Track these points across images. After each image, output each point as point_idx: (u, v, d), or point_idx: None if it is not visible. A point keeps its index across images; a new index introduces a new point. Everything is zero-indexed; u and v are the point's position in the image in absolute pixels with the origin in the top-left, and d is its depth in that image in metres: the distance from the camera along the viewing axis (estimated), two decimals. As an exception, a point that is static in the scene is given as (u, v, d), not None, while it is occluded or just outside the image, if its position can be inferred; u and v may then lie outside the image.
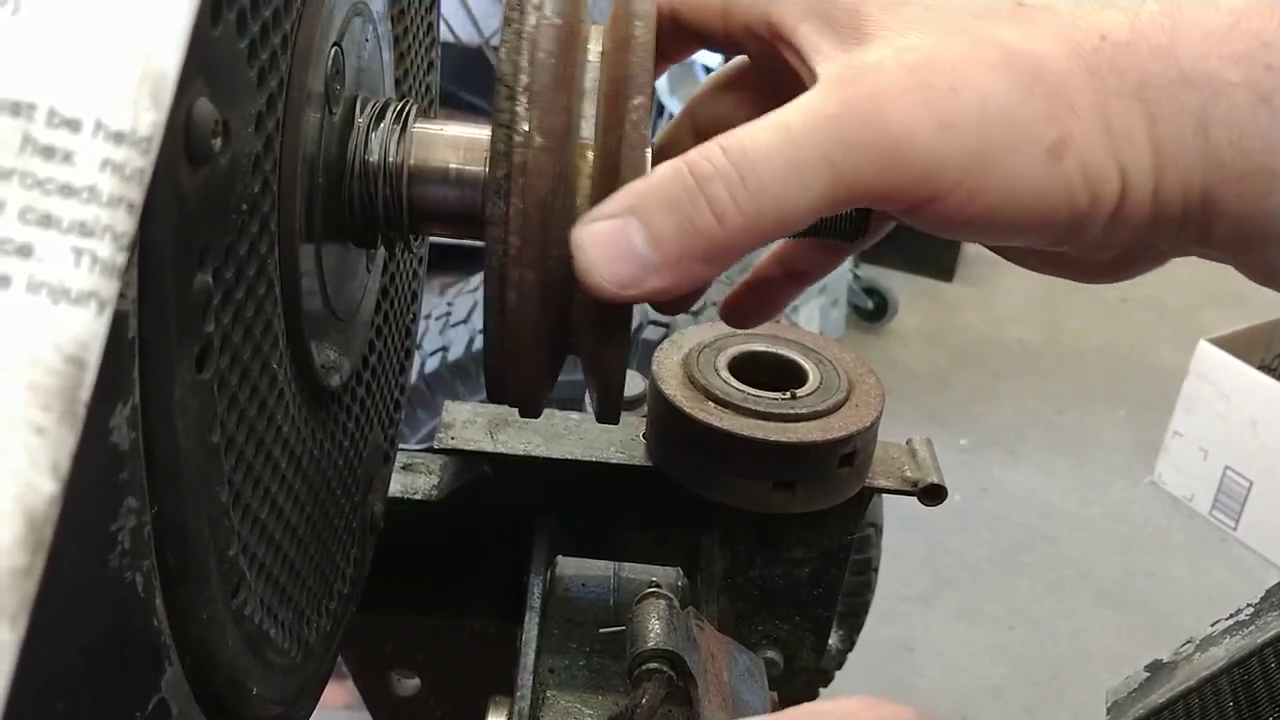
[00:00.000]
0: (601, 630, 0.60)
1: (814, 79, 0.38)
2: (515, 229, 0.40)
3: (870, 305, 3.40)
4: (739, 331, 0.69)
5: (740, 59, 0.48)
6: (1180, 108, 0.36)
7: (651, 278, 0.37)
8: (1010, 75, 0.36)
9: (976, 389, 3.17)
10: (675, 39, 0.45)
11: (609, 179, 0.40)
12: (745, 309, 0.54)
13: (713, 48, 0.46)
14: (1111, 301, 3.61)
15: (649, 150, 0.40)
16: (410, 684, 0.82)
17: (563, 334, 0.44)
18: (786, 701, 0.57)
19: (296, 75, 0.40)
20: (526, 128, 0.39)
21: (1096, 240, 0.39)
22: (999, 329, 3.49)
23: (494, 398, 0.47)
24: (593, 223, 0.38)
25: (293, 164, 0.40)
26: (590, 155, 0.41)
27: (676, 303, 0.48)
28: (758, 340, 0.69)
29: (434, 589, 0.74)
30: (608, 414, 0.48)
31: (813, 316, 3.05)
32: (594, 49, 0.44)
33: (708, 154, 0.37)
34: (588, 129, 0.42)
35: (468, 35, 2.84)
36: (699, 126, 0.48)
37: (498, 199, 0.40)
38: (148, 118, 0.25)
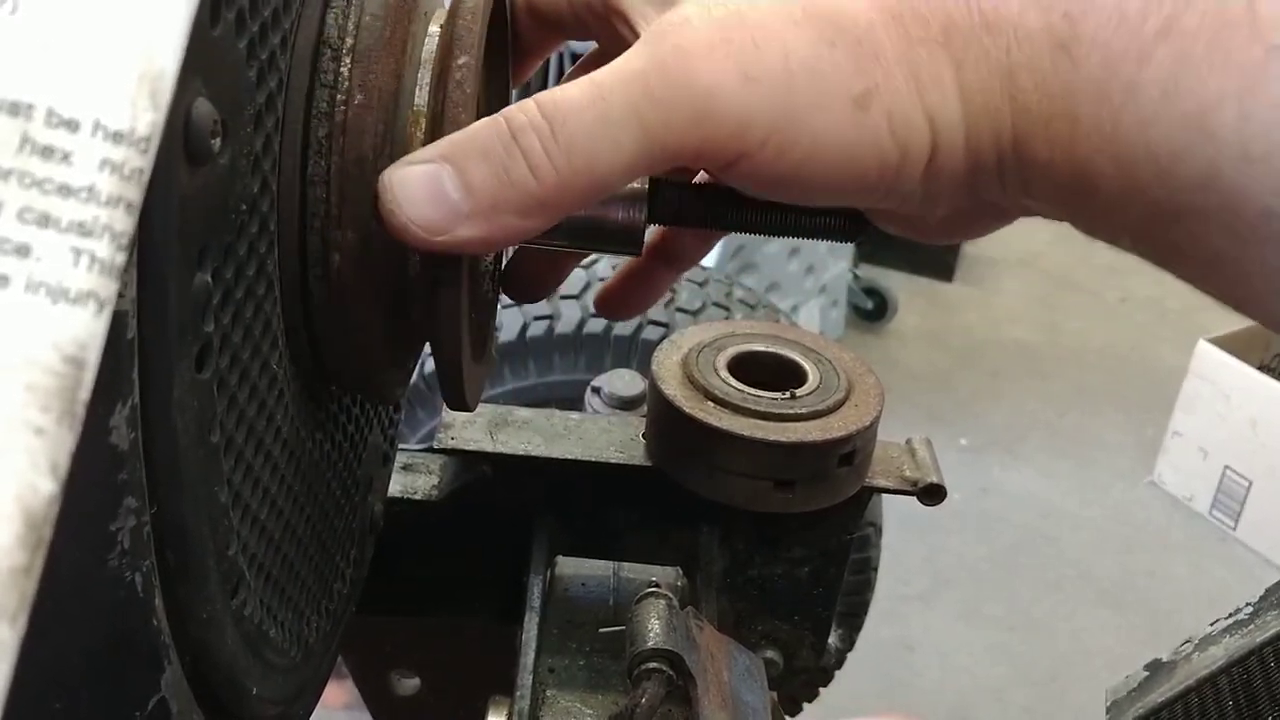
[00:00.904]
0: (601, 630, 0.60)
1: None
2: (335, 187, 0.40)
3: (870, 305, 3.40)
4: (738, 331, 0.69)
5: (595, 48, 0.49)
6: (984, 54, 0.36)
7: (462, 225, 0.37)
8: (813, 28, 0.36)
9: (976, 389, 3.17)
10: (536, 32, 0.47)
11: (435, 140, 0.40)
12: (620, 299, 0.54)
13: (570, 36, 0.47)
14: (1111, 302, 3.61)
15: (473, 109, 0.40)
16: (410, 684, 0.82)
17: (404, 308, 0.44)
18: (786, 701, 0.57)
19: (296, 74, 0.40)
20: (347, 86, 0.40)
21: (916, 194, 0.39)
22: (999, 329, 3.49)
23: (336, 379, 0.47)
24: (404, 166, 0.37)
25: (292, 163, 0.40)
26: (423, 120, 0.42)
27: (529, 288, 0.50)
28: (757, 340, 0.69)
29: (434, 589, 0.74)
30: (448, 396, 0.47)
31: (812, 316, 3.06)
32: (436, 26, 0.44)
33: (523, 107, 0.36)
34: (422, 97, 0.42)
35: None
36: None
37: (318, 158, 0.40)
38: (146, 117, 0.25)
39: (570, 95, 0.36)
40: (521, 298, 0.53)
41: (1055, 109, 0.36)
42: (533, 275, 0.52)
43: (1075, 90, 0.35)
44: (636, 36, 0.40)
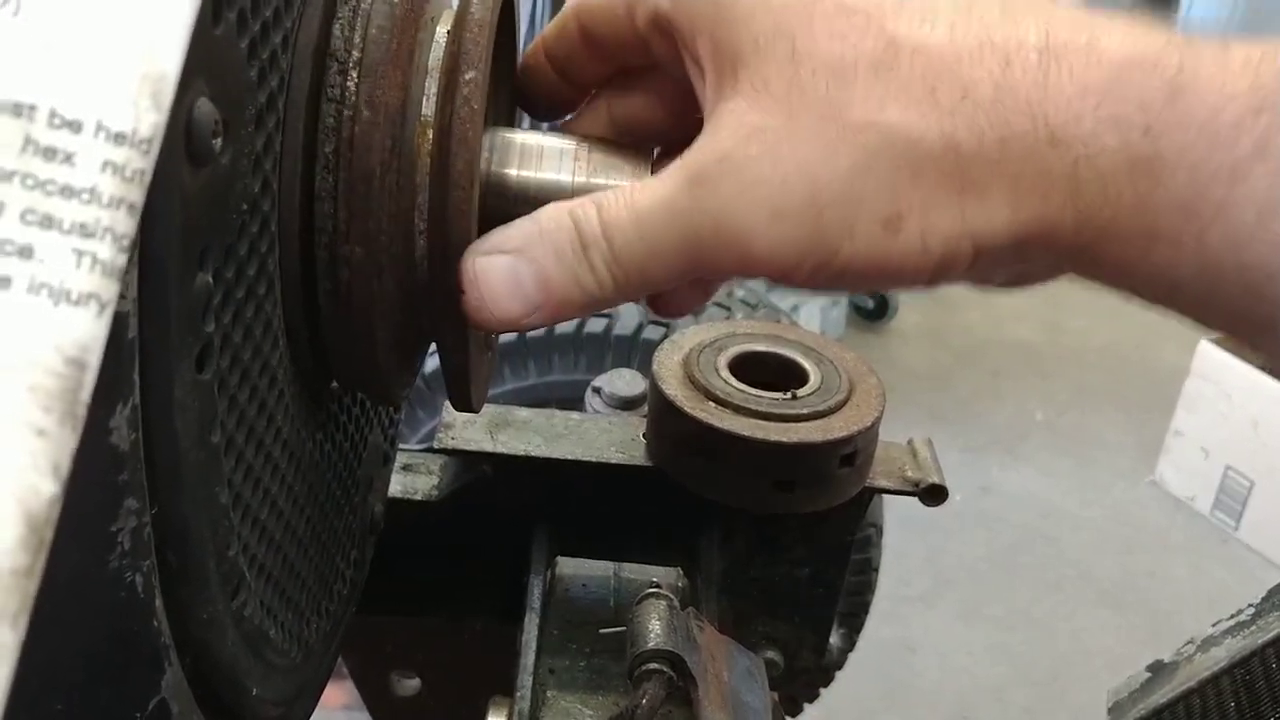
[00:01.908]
0: (602, 630, 0.60)
1: (702, 105, 0.41)
2: (343, 203, 0.40)
3: (871, 304, 3.40)
4: (739, 331, 0.69)
5: None
6: (1046, 169, 0.36)
7: (533, 315, 0.41)
8: (849, 155, 0.37)
9: (977, 389, 3.17)
10: (593, 64, 0.47)
11: (443, 155, 0.41)
12: (672, 294, 0.54)
13: (630, 61, 0.47)
14: (1113, 301, 3.57)
15: (480, 123, 0.41)
16: (410, 684, 0.82)
17: (411, 315, 0.44)
18: (787, 702, 0.57)
19: (298, 74, 0.40)
20: (354, 101, 0.40)
21: (965, 281, 0.40)
22: (1000, 328, 3.49)
23: (341, 381, 0.48)
24: (486, 255, 0.41)
25: (293, 163, 0.40)
26: (430, 132, 0.42)
27: (672, 307, 0.51)
28: (758, 340, 0.69)
29: (434, 589, 0.74)
30: (455, 398, 0.48)
31: (813, 316, 3.05)
32: (442, 30, 0.44)
33: (588, 218, 0.40)
34: (429, 107, 0.42)
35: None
36: (615, 119, 0.49)
37: (325, 173, 0.40)
38: (149, 119, 0.25)
39: (623, 223, 0.40)
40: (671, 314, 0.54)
41: (1131, 224, 0.35)
42: (680, 295, 0.52)
43: (1155, 206, 0.35)
44: (699, 86, 0.41)
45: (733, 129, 0.39)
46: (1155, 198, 0.35)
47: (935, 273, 0.38)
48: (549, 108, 0.49)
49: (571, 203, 0.41)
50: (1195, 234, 0.34)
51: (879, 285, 0.40)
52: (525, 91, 0.49)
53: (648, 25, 0.43)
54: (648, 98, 0.48)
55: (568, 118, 0.50)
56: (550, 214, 0.41)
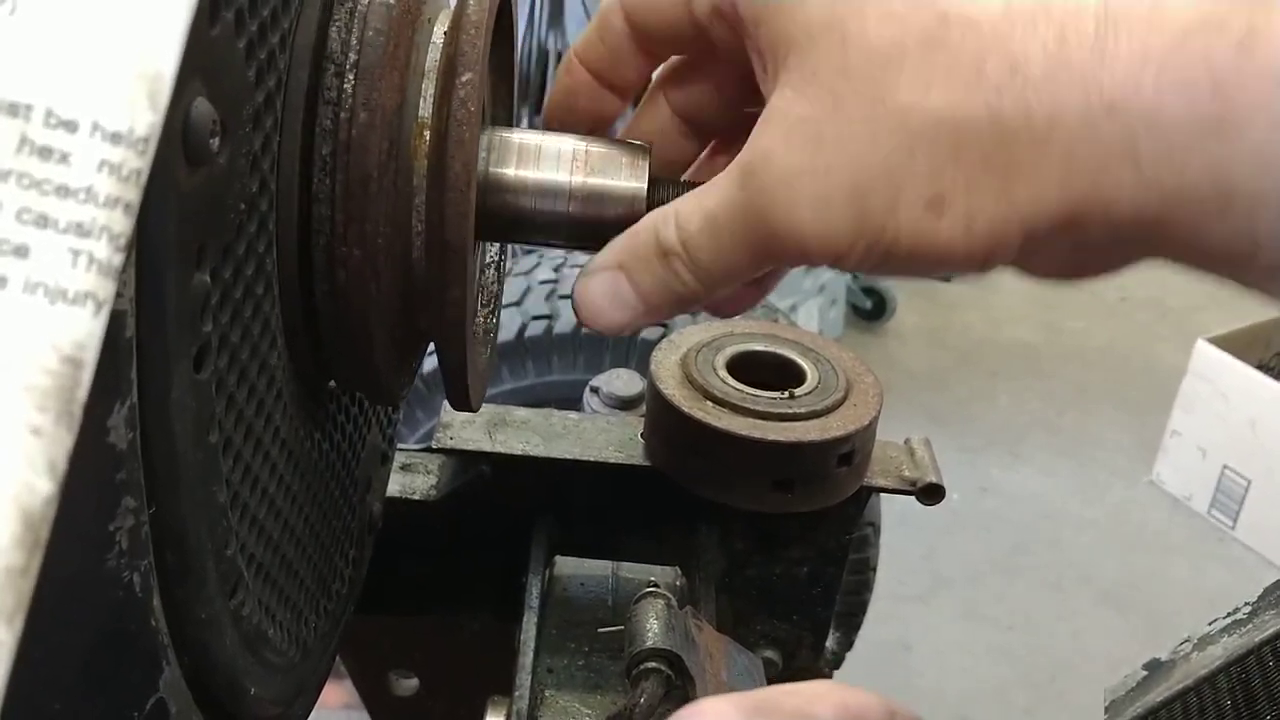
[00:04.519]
0: (600, 630, 0.60)
1: (763, 94, 0.42)
2: (340, 206, 0.41)
3: (869, 305, 3.40)
4: (737, 331, 0.69)
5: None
6: (1101, 142, 0.35)
7: (637, 320, 0.45)
8: (892, 138, 0.37)
9: (975, 389, 3.17)
10: (638, 58, 0.47)
11: (441, 156, 0.41)
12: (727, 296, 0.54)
13: (681, 50, 0.47)
14: (1111, 301, 3.61)
15: (477, 125, 0.41)
16: (409, 684, 0.82)
17: (408, 315, 0.44)
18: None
19: (295, 74, 0.40)
20: (351, 103, 0.40)
21: (1018, 265, 0.40)
22: (998, 329, 3.49)
23: (339, 381, 0.48)
24: (591, 276, 0.45)
25: (291, 164, 0.40)
26: (427, 134, 0.42)
27: (727, 308, 0.52)
28: (756, 340, 0.69)
29: (432, 589, 0.74)
30: (454, 398, 0.48)
31: (811, 316, 3.06)
32: (439, 30, 0.44)
33: (666, 226, 0.43)
34: (426, 109, 0.42)
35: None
36: (677, 110, 0.49)
37: (323, 176, 0.40)
38: (145, 118, 0.25)
39: (693, 226, 0.42)
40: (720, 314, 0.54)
41: (1204, 186, 0.34)
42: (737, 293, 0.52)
43: (1230, 164, 0.34)
44: (756, 51, 0.42)
45: (779, 121, 0.39)
46: (1229, 155, 0.34)
47: (984, 257, 0.38)
48: (594, 120, 0.49)
49: (655, 212, 0.44)
50: (1277, 186, 0.33)
51: (931, 268, 0.40)
52: (566, 110, 0.49)
53: (709, 14, 0.43)
54: (708, 86, 0.48)
55: (622, 124, 0.50)
56: (640, 225, 0.44)
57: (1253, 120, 0.33)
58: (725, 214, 0.41)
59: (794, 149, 0.39)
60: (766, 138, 0.40)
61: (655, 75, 0.49)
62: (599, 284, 0.45)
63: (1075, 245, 0.38)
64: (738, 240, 0.41)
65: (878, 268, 0.40)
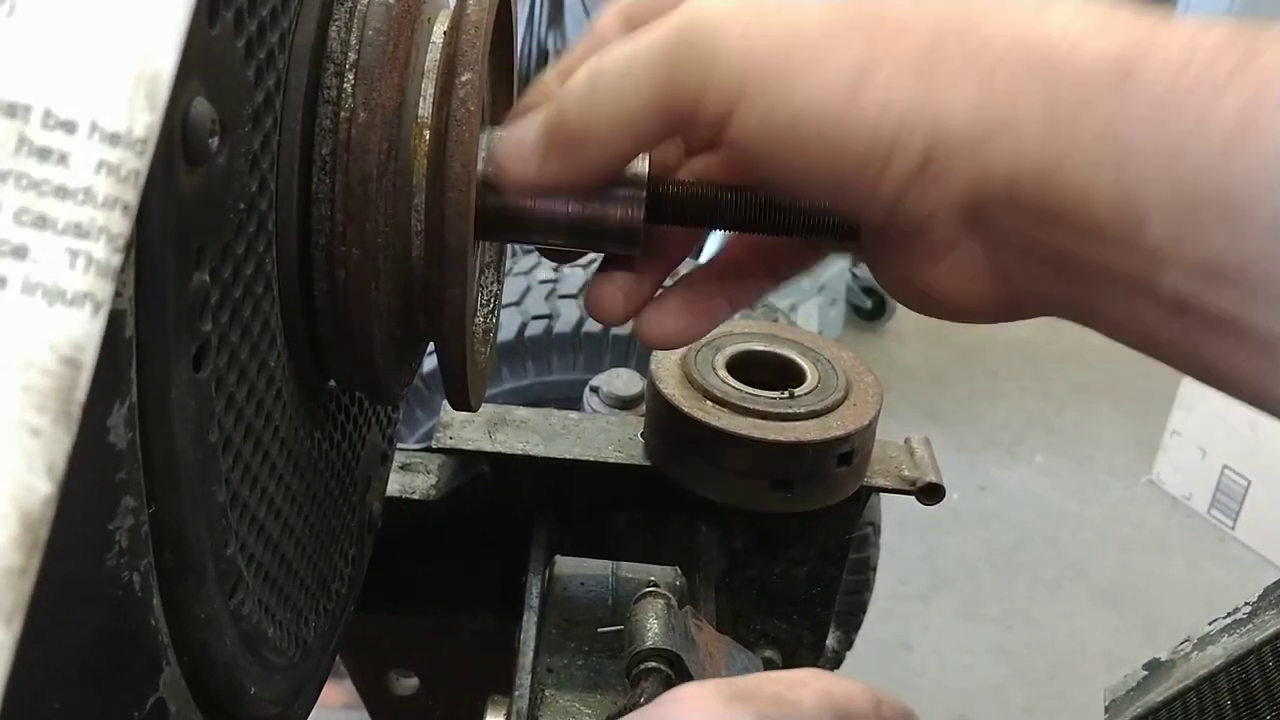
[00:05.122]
0: (600, 629, 0.60)
1: None
2: (340, 205, 0.41)
3: (868, 304, 3.40)
4: (737, 331, 0.69)
5: None
6: (1016, 74, 0.35)
7: (531, 173, 0.42)
8: (837, 15, 0.37)
9: (975, 388, 3.17)
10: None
11: (440, 156, 0.41)
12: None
13: None
14: (1110, 300, 3.60)
15: (477, 125, 0.41)
16: (409, 683, 0.82)
17: (408, 315, 0.44)
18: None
19: (294, 74, 0.40)
20: (350, 103, 0.40)
21: (904, 206, 0.38)
22: (997, 328, 3.46)
23: (339, 381, 0.48)
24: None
25: (290, 164, 0.40)
26: (427, 134, 0.42)
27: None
28: (756, 339, 0.69)
29: (432, 588, 0.74)
30: (453, 397, 0.48)
31: (811, 316, 3.06)
32: (438, 30, 0.44)
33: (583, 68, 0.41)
34: (425, 108, 0.42)
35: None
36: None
37: (322, 175, 0.41)
38: (143, 119, 0.25)
39: (608, 59, 0.40)
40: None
41: (1103, 137, 0.34)
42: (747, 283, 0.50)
43: (1130, 118, 0.33)
44: None
45: None
46: (1131, 109, 0.33)
47: (884, 160, 0.37)
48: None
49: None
50: (1172, 147, 0.33)
51: (818, 162, 0.38)
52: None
53: None
54: None
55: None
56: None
57: (1157, 77, 0.33)
58: (646, 39, 0.40)
59: (732, 3, 0.39)
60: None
61: None
62: (510, 134, 0.43)
63: (968, 204, 0.37)
64: (650, 59, 0.39)
65: (763, 143, 0.39)
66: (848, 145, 0.37)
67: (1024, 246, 0.37)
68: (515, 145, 0.43)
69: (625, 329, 1.37)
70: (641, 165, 0.45)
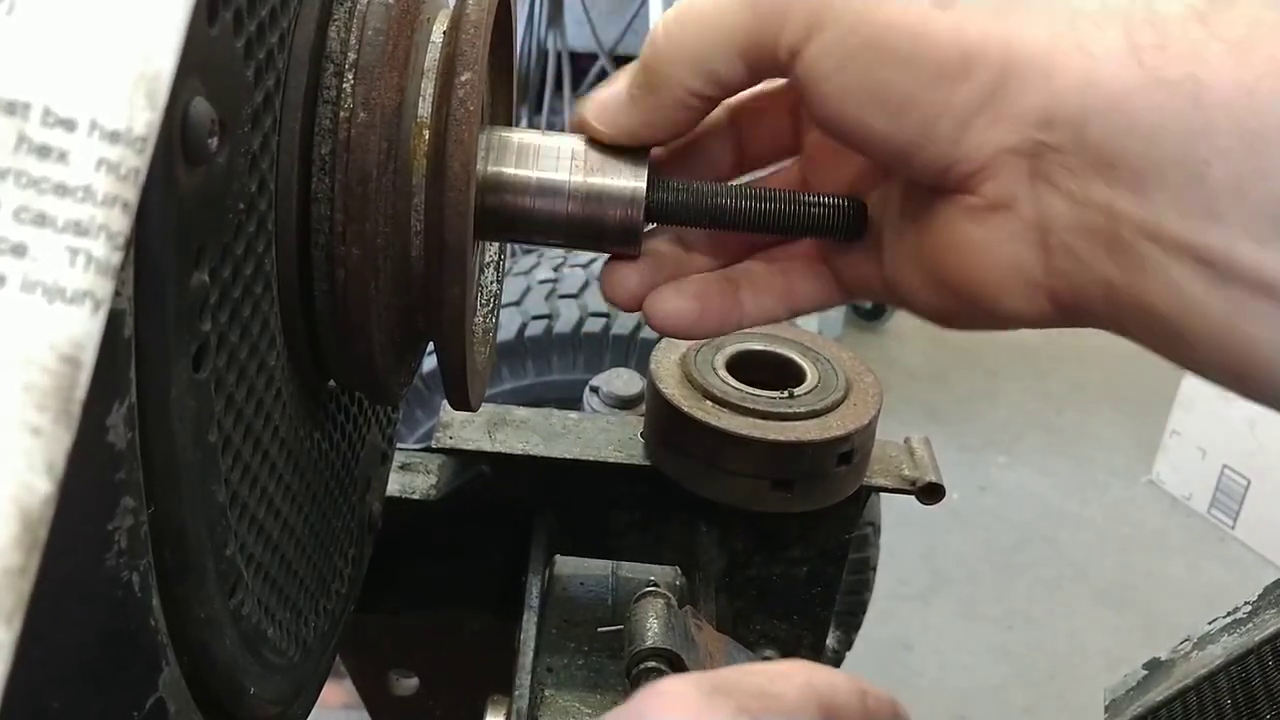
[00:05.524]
0: (600, 629, 0.60)
1: None
2: (340, 205, 0.41)
3: (868, 304, 3.40)
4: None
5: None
6: (1093, 14, 0.36)
7: (634, 116, 0.43)
8: None
9: (975, 388, 3.17)
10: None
11: (440, 156, 0.41)
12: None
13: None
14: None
15: (476, 125, 0.41)
16: (408, 683, 0.82)
17: (408, 315, 0.44)
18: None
19: (294, 74, 0.40)
20: (350, 103, 0.40)
21: (962, 129, 0.38)
22: (997, 328, 3.48)
23: (339, 381, 0.48)
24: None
25: (290, 163, 0.40)
26: (426, 133, 0.42)
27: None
28: (755, 339, 0.69)
29: (432, 588, 0.74)
30: (453, 397, 0.48)
31: (810, 315, 3.05)
32: (438, 30, 0.44)
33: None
34: (425, 107, 0.42)
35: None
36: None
37: (321, 175, 0.41)
38: (143, 117, 0.25)
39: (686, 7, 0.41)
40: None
41: (1182, 71, 0.34)
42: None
43: (1208, 52, 0.34)
44: None
45: None
46: (1209, 45, 0.34)
47: (954, 77, 0.37)
48: None
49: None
50: (1246, 83, 0.33)
51: (894, 84, 0.38)
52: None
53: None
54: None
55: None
56: None
57: (1236, 20, 0.34)
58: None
59: None
60: None
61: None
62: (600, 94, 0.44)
63: (1038, 162, 0.37)
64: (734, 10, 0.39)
65: (846, 59, 0.38)
66: (924, 57, 0.37)
67: (1076, 211, 0.37)
68: (604, 95, 0.43)
69: (625, 329, 1.37)
70: (642, 165, 0.45)
